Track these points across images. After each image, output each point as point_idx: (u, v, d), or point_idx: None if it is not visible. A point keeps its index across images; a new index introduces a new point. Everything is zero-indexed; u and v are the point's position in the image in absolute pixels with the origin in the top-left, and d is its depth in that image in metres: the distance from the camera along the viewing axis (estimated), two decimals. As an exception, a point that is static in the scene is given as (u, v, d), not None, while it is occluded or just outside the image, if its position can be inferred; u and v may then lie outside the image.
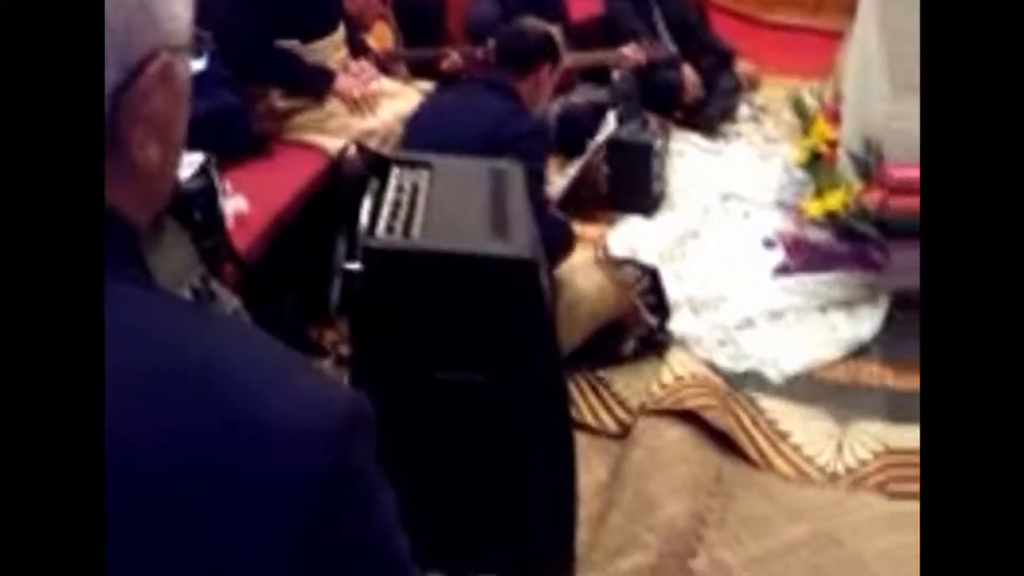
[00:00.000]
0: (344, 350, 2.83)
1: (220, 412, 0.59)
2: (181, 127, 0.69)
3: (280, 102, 3.33)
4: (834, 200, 3.65)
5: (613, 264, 3.26)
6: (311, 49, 3.37)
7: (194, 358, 0.61)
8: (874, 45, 3.67)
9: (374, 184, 2.44)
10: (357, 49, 3.64)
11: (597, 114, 4.17)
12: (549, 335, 2.46)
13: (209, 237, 2.39)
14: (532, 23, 3.51)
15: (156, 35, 0.65)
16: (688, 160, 4.50)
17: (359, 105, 3.33)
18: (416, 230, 2.26)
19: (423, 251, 2.23)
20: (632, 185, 4.02)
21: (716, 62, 5.00)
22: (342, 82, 3.36)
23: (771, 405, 2.99)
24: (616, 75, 4.51)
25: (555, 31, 3.49)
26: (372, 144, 3.27)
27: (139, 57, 0.64)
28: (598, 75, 4.60)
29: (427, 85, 3.91)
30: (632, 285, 3.13)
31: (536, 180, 2.99)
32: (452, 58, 4.25)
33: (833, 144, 3.96)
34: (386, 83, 3.55)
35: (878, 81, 3.65)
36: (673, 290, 3.32)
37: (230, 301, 2.16)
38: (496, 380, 2.24)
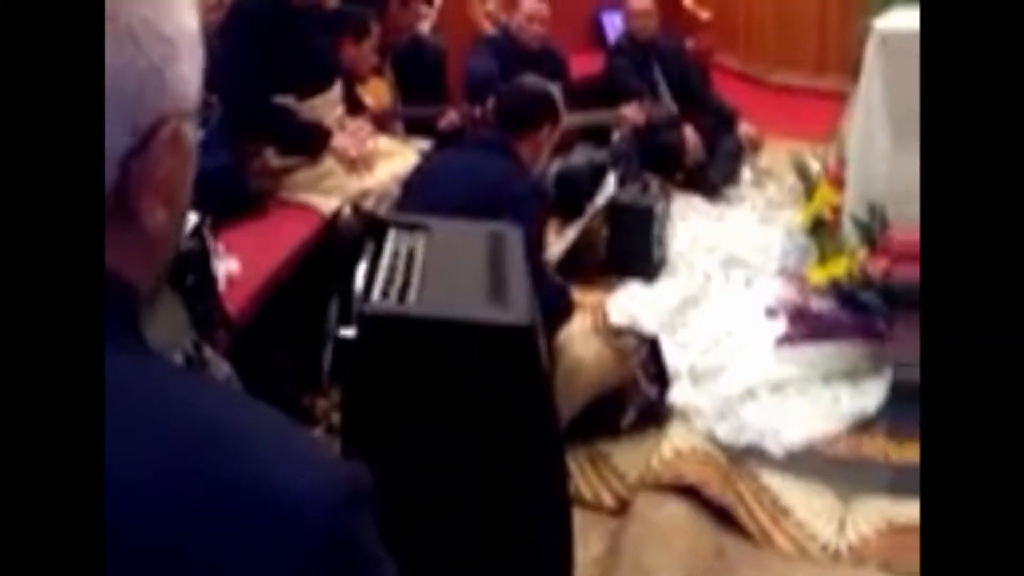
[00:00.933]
0: (336, 418, 2.76)
1: (224, 481, 0.59)
2: (188, 191, 0.69)
3: (275, 160, 3.29)
4: (837, 267, 3.60)
5: (612, 333, 3.21)
6: (307, 106, 3.34)
7: (199, 426, 0.61)
8: (877, 107, 3.64)
9: (370, 247, 2.41)
10: (354, 106, 3.61)
11: (596, 175, 4.15)
12: (548, 404, 2.41)
13: (201, 302, 2.34)
14: (533, 81, 3.49)
15: (167, 100, 0.65)
16: (690, 224, 4.47)
17: (355, 164, 3.30)
18: (412, 295, 2.22)
19: (419, 317, 2.19)
20: (632, 249, 3.98)
21: (718, 123, 4.99)
22: (338, 141, 3.33)
23: (772, 480, 2.92)
24: (616, 135, 4.49)
25: (555, 90, 3.46)
26: (368, 204, 3.24)
27: (150, 122, 0.63)
28: (598, 135, 4.59)
29: (424, 143, 3.89)
30: (631, 354, 3.07)
31: (534, 244, 2.95)
32: (449, 116, 4.22)
33: (837, 209, 3.92)
34: (382, 142, 3.53)
35: (881, 142, 3.61)
36: (673, 359, 3.27)
37: (221, 367, 2.09)
38: (492, 450, 2.19)
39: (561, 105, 3.37)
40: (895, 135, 3.57)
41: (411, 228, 2.52)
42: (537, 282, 2.59)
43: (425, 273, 2.30)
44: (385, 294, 2.23)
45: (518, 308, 2.20)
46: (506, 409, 2.18)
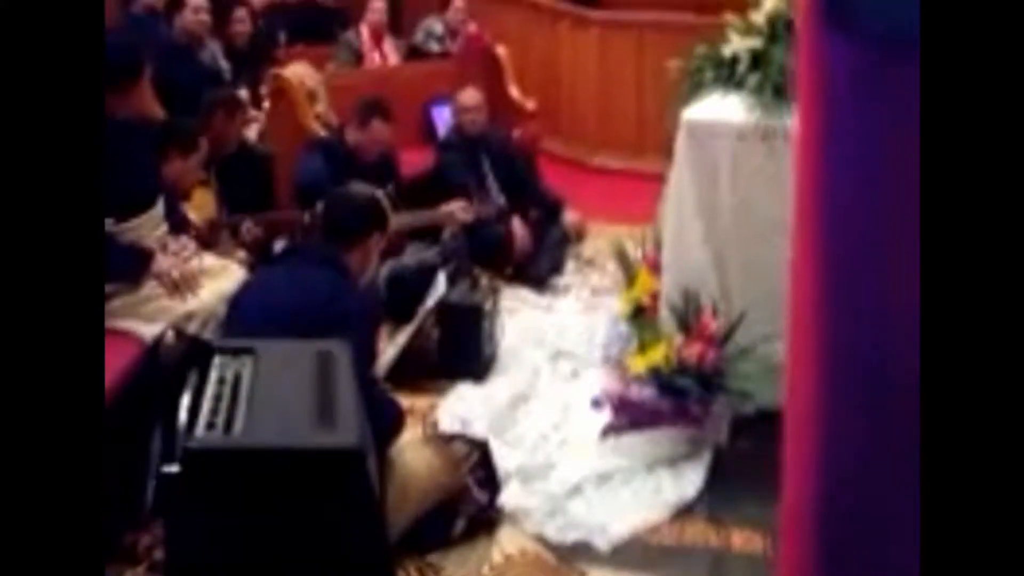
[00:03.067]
0: (159, 555, 2.71)
1: None
2: None
3: (91, 288, 3.19)
4: (656, 354, 3.68)
5: (442, 440, 3.25)
6: (126, 228, 3.26)
7: None
8: (688, 194, 3.75)
9: (193, 377, 2.40)
10: (177, 223, 3.55)
11: (427, 276, 4.18)
12: (377, 526, 2.44)
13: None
14: (358, 190, 3.52)
15: None
16: (519, 318, 4.56)
17: (178, 287, 3.24)
18: (238, 425, 2.23)
19: (245, 448, 2.20)
20: (463, 349, 4.04)
21: (544, 214, 5.16)
22: (160, 263, 3.26)
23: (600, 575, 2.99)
24: (446, 233, 4.59)
25: (381, 195, 3.49)
26: (192, 327, 3.17)
27: None
28: (429, 232, 4.66)
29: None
30: (462, 461, 3.12)
31: (365, 359, 2.97)
32: (247, 226, 4.17)
33: (655, 295, 4.01)
34: (208, 259, 3.46)
35: (693, 229, 3.73)
36: (504, 460, 3.33)
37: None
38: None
39: (388, 211, 3.41)
40: (705, 222, 3.74)
41: (236, 352, 2.51)
42: (368, 399, 2.63)
43: (252, 400, 2.31)
44: (210, 425, 2.22)
45: (347, 430, 2.23)
46: (336, 534, 2.20)
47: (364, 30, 6.30)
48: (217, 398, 2.33)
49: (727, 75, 3.82)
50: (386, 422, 3.01)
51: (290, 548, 2.19)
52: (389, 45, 6.36)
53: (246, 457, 2.18)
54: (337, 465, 2.21)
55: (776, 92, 3.63)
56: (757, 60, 3.75)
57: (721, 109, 3.70)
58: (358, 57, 6.18)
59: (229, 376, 2.42)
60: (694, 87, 3.94)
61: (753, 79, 3.71)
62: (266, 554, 2.20)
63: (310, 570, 2.23)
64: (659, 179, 6.15)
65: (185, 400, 2.31)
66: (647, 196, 6.00)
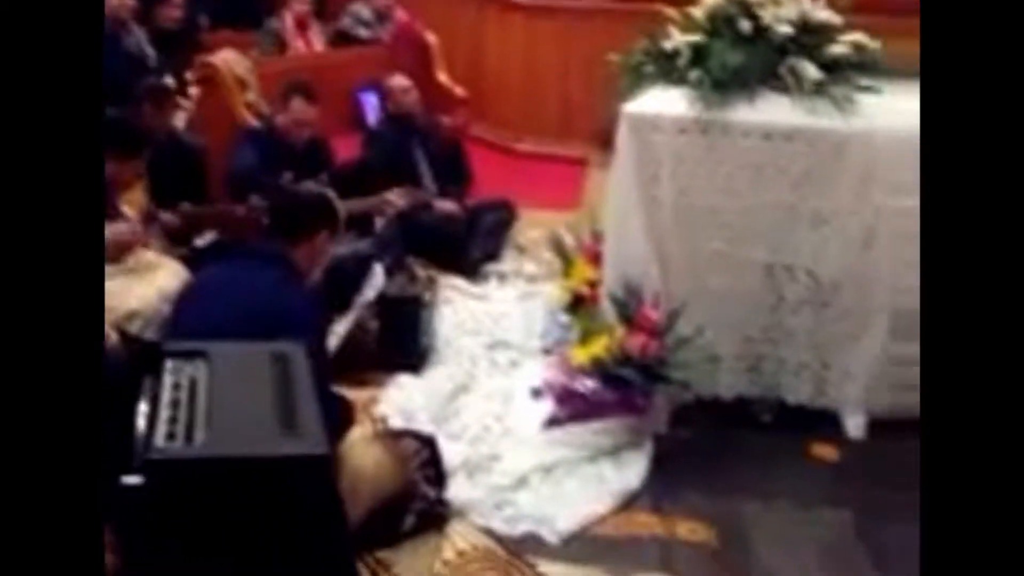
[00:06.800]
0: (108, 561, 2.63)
1: None
2: None
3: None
4: (598, 346, 3.70)
5: (391, 437, 3.23)
6: None
7: None
8: (630, 187, 3.73)
9: (147, 383, 2.33)
10: (111, 217, 3.42)
11: (362, 265, 4.12)
12: (343, 532, 2.42)
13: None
14: (308, 187, 3.43)
15: None
16: (454, 308, 4.53)
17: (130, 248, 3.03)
18: (199, 433, 2.16)
19: (209, 458, 2.14)
20: (401, 341, 4.01)
21: (478, 201, 5.16)
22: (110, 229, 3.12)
23: (551, 570, 3.00)
24: (380, 223, 4.54)
25: (333, 194, 3.39)
26: (135, 328, 3.09)
27: None
28: (360, 222, 4.57)
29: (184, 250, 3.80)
30: (411, 458, 3.10)
31: (318, 355, 2.92)
32: (165, 216, 4.04)
33: (594, 284, 4.05)
34: (148, 255, 3.37)
35: (635, 221, 3.73)
36: (448, 453, 3.31)
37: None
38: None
39: (339, 211, 3.28)
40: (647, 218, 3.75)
41: (188, 355, 2.43)
42: (322, 396, 2.59)
43: (210, 406, 2.23)
44: (170, 435, 2.15)
45: (312, 436, 2.16)
46: (302, 541, 2.19)
47: (288, 18, 6.15)
48: (174, 405, 2.24)
49: (668, 69, 3.86)
50: (337, 419, 2.97)
51: (255, 556, 2.17)
52: (315, 32, 6.24)
53: (210, 467, 2.13)
54: (305, 473, 2.16)
55: (716, 86, 3.68)
56: (698, 55, 3.79)
57: (662, 103, 3.72)
58: (282, 45, 6.04)
59: (184, 382, 2.33)
60: (635, 81, 3.95)
61: (694, 73, 3.75)
62: (229, 563, 2.17)
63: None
64: (584, 163, 6.24)
65: (142, 408, 2.24)
66: (573, 181, 6.07)
